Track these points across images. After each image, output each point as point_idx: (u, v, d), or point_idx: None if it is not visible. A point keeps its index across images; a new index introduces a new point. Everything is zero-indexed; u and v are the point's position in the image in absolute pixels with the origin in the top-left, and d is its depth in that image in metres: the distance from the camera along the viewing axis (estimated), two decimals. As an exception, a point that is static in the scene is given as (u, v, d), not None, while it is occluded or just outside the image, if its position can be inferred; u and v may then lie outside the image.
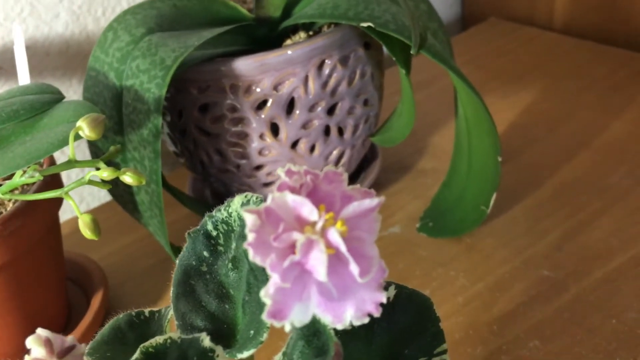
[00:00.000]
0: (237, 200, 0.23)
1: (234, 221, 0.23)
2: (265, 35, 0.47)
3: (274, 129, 0.45)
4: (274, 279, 0.16)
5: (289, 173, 0.17)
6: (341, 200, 0.17)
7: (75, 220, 0.56)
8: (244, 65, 0.43)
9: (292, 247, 0.17)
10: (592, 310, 0.40)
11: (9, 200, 0.39)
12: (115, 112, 0.42)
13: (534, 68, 0.68)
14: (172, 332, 0.23)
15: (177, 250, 0.44)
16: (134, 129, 0.41)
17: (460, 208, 0.48)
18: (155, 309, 0.25)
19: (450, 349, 0.25)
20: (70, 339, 0.21)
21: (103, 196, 0.63)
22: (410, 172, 0.56)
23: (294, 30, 0.47)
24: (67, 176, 0.59)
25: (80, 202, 0.62)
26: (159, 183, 0.40)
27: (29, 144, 0.35)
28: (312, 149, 0.46)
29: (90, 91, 0.44)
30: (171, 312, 0.24)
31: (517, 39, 0.74)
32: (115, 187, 0.45)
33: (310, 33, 0.47)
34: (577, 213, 0.48)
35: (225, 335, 0.23)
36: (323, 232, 0.17)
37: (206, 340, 0.21)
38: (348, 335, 0.22)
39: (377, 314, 0.17)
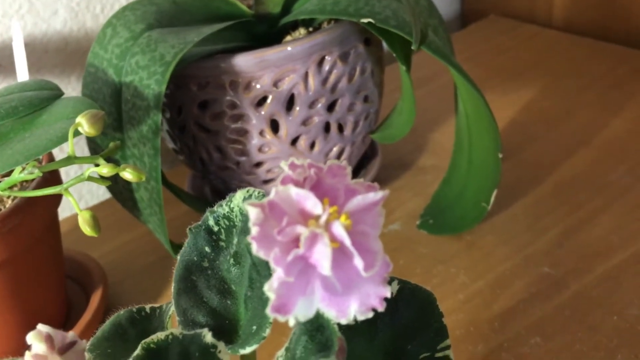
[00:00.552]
0: (239, 195, 0.23)
1: (236, 216, 0.23)
2: (265, 32, 0.47)
3: (274, 126, 0.45)
4: (278, 273, 0.16)
5: (292, 166, 0.17)
6: (345, 194, 0.17)
7: (74, 217, 0.55)
8: (244, 61, 0.42)
9: (296, 241, 0.16)
10: (593, 307, 0.40)
11: (8, 197, 0.39)
12: (115, 108, 0.42)
13: (533, 65, 0.68)
14: (174, 328, 0.23)
15: (176, 247, 0.44)
16: (134, 125, 0.41)
17: (460, 205, 0.48)
18: (156, 305, 0.25)
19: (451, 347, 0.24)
20: (71, 334, 0.21)
21: (102, 194, 0.63)
22: (410, 169, 0.56)
23: (293, 26, 0.47)
24: (65, 174, 0.59)
25: (79, 200, 0.62)
26: (158, 180, 0.40)
27: (28, 141, 0.35)
28: (312, 145, 0.46)
29: (89, 88, 0.43)
30: (172, 308, 0.24)
31: (516, 36, 0.74)
32: (115, 184, 0.45)
33: (310, 29, 0.47)
34: (577, 210, 0.48)
35: (227, 331, 0.22)
36: (327, 226, 0.16)
37: (208, 336, 0.21)
38: (351, 330, 0.22)
39: (381, 308, 0.17)
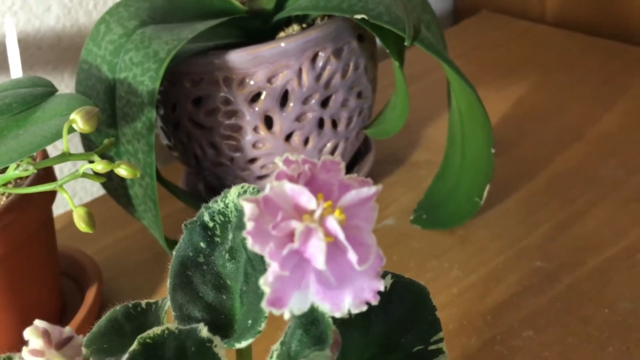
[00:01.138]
0: (234, 191, 0.24)
1: (231, 212, 0.23)
2: (258, 28, 0.47)
3: (268, 122, 0.45)
4: (273, 267, 0.16)
5: (286, 162, 0.17)
6: (339, 189, 0.18)
7: (69, 214, 0.55)
8: (238, 57, 0.42)
9: (290, 236, 0.17)
10: (585, 300, 0.41)
11: (2, 194, 0.39)
12: (109, 105, 0.42)
13: (526, 61, 0.68)
14: (170, 323, 0.23)
15: (171, 243, 0.44)
16: (128, 122, 0.41)
17: (453, 200, 0.49)
18: (152, 300, 0.25)
19: (444, 340, 0.25)
20: (67, 330, 0.21)
21: (96, 191, 0.63)
22: (403, 165, 0.56)
23: (287, 22, 0.47)
24: (59, 171, 0.59)
25: (73, 196, 0.62)
26: (153, 176, 0.40)
27: (22, 138, 0.35)
28: (306, 141, 0.46)
29: (83, 84, 0.43)
30: (168, 304, 0.24)
31: (509, 32, 0.74)
32: (109, 180, 0.45)
33: (304, 25, 0.47)
34: (569, 204, 0.49)
35: (223, 325, 0.23)
36: (321, 221, 0.17)
37: (204, 331, 0.21)
38: (345, 324, 0.22)
39: (375, 302, 0.17)
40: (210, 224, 0.24)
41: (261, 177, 0.48)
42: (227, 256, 0.23)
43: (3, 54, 0.54)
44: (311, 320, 0.19)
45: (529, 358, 0.38)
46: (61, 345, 0.20)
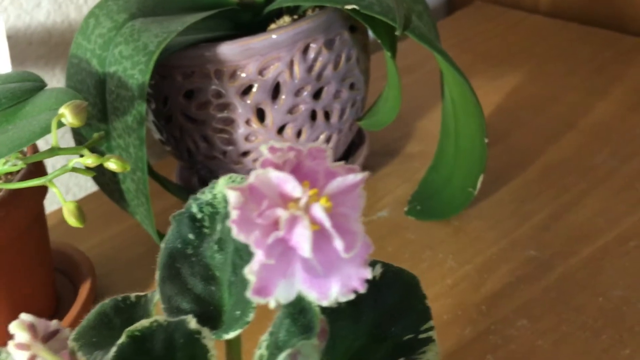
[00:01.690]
0: (222, 182, 0.23)
1: (219, 203, 0.23)
2: (249, 20, 0.47)
3: (260, 115, 0.45)
4: (258, 255, 0.16)
5: (272, 150, 0.17)
6: (325, 176, 0.17)
7: (61, 210, 0.55)
8: (229, 50, 0.42)
9: (276, 224, 0.17)
10: (579, 289, 0.41)
11: (-7, 190, 0.39)
12: (99, 99, 0.42)
13: (520, 51, 0.68)
14: (158, 315, 0.23)
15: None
16: (118, 116, 0.41)
17: (447, 191, 0.48)
18: (141, 293, 0.25)
19: (439, 330, 0.25)
20: (54, 323, 0.21)
21: (89, 186, 0.62)
22: (397, 156, 0.56)
23: (278, 14, 0.47)
24: (52, 167, 0.59)
25: (67, 192, 0.62)
26: (144, 170, 0.40)
27: (11, 132, 0.35)
28: (299, 134, 0.46)
29: (72, 79, 0.43)
30: (157, 296, 0.24)
31: (503, 22, 0.74)
32: (101, 175, 0.45)
33: (295, 17, 0.47)
34: (563, 194, 0.49)
35: (212, 317, 0.23)
36: (307, 208, 0.16)
37: (192, 323, 0.21)
38: (335, 314, 0.22)
39: (362, 290, 0.17)
40: (199, 215, 0.24)
41: (254, 170, 0.48)
42: (215, 247, 0.23)
43: (-7, 50, 0.54)
44: (299, 309, 0.19)
45: (523, 347, 0.38)
46: (47, 338, 0.20)
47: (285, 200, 0.17)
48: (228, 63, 0.43)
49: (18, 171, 0.38)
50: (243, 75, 0.43)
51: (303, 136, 0.46)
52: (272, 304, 0.17)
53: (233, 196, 0.16)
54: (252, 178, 0.17)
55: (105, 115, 0.42)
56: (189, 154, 0.48)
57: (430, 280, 0.43)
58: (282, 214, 0.16)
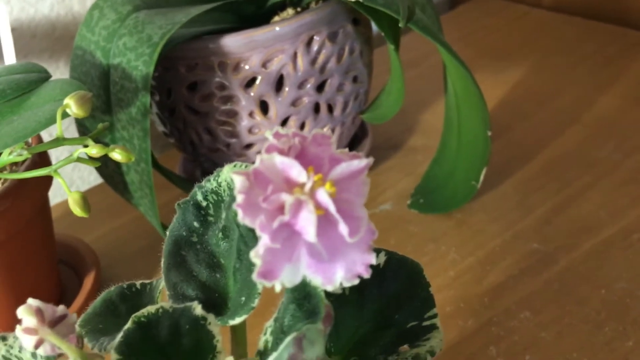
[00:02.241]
0: (227, 169, 0.23)
1: (224, 191, 0.23)
2: (253, 12, 0.47)
3: (264, 107, 0.45)
4: (264, 239, 0.16)
5: (277, 135, 0.17)
6: (329, 162, 0.17)
7: (66, 203, 0.55)
8: (232, 42, 0.42)
9: (281, 209, 0.17)
10: (582, 282, 0.41)
11: (-2, 181, 0.39)
12: (103, 91, 0.42)
13: (523, 45, 0.68)
14: (164, 302, 0.23)
15: (168, 229, 0.44)
16: (122, 107, 0.41)
17: (450, 184, 0.48)
18: (146, 281, 0.25)
19: (441, 322, 0.25)
20: (61, 308, 0.21)
21: (93, 179, 0.63)
22: (400, 150, 0.56)
23: (282, 6, 0.47)
24: (56, 159, 0.59)
25: (70, 185, 0.62)
26: (148, 162, 0.40)
27: (16, 123, 0.35)
28: (302, 126, 0.46)
29: (77, 70, 0.43)
30: (162, 283, 0.24)
31: (506, 16, 0.74)
32: (105, 167, 0.45)
33: (299, 9, 0.47)
34: (566, 187, 0.49)
35: (217, 303, 0.23)
36: (312, 193, 0.17)
37: (198, 309, 0.21)
38: (339, 300, 0.22)
39: (367, 275, 0.17)
40: (204, 203, 0.24)
41: (257, 163, 0.48)
42: (220, 235, 0.23)
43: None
44: (304, 294, 0.19)
45: (526, 339, 0.38)
46: (54, 323, 0.20)
47: (290, 185, 0.17)
48: (232, 55, 0.43)
49: (23, 162, 0.38)
50: (246, 67, 0.43)
51: (306, 129, 0.46)
52: (277, 288, 0.17)
53: (238, 180, 0.16)
54: (257, 163, 0.17)
55: (109, 107, 0.42)
56: (192, 146, 0.48)
57: (433, 272, 0.43)
58: (287, 198, 0.16)
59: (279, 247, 0.16)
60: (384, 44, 0.62)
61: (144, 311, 0.22)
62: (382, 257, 0.23)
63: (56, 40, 0.57)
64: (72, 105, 0.33)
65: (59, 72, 0.58)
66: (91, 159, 0.34)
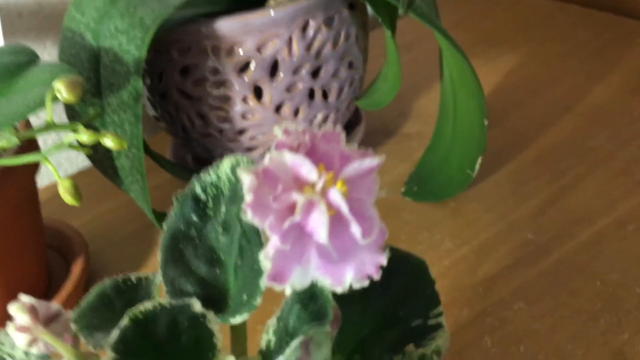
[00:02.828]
0: (226, 162, 0.23)
1: (224, 184, 0.23)
2: (247, -5, 0.46)
3: (258, 92, 0.44)
4: (274, 241, 0.16)
5: (286, 132, 0.16)
6: (340, 160, 0.17)
7: (54, 186, 0.54)
8: (226, 26, 0.41)
9: (290, 208, 0.16)
10: (576, 272, 0.41)
11: (-16, 166, 0.38)
12: (93, 74, 0.41)
13: (518, 32, 0.68)
14: (161, 297, 0.22)
15: (159, 215, 0.44)
16: (113, 91, 0.40)
17: (445, 172, 0.48)
18: (142, 274, 0.25)
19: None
20: (55, 305, 0.20)
21: (81, 162, 0.61)
22: (394, 136, 0.55)
23: (277, -11, 0.46)
24: (43, 143, 0.58)
25: (58, 168, 0.61)
26: (140, 147, 0.39)
27: (4, 107, 0.34)
28: (297, 112, 0.45)
29: (66, 53, 0.42)
30: (159, 278, 0.23)
31: (502, 2, 0.73)
32: (95, 152, 0.44)
33: (294, -7, 0.45)
34: (560, 177, 0.48)
35: (216, 300, 0.22)
36: (323, 193, 0.16)
37: (197, 306, 0.21)
38: (344, 299, 0.22)
39: (377, 276, 0.17)
40: (202, 197, 0.23)
41: (250, 149, 0.47)
42: (220, 229, 0.23)
43: (-18, 21, 0.52)
44: (309, 295, 0.19)
45: (520, 330, 0.38)
46: (49, 321, 0.20)
47: (300, 184, 0.16)
48: (225, 39, 0.42)
49: (10, 147, 0.37)
50: (241, 52, 0.42)
51: (300, 115, 0.46)
52: (287, 291, 0.16)
53: (247, 179, 0.16)
54: (266, 161, 0.16)
55: (99, 90, 0.41)
56: (184, 131, 0.47)
57: (428, 261, 0.43)
58: (298, 198, 0.16)
59: (289, 248, 0.16)
60: (377, 26, 0.61)
61: (141, 307, 0.21)
62: (387, 254, 0.23)
63: (43, 20, 0.55)
64: (62, 90, 0.32)
65: (46, 52, 0.56)
66: (82, 145, 0.33)
